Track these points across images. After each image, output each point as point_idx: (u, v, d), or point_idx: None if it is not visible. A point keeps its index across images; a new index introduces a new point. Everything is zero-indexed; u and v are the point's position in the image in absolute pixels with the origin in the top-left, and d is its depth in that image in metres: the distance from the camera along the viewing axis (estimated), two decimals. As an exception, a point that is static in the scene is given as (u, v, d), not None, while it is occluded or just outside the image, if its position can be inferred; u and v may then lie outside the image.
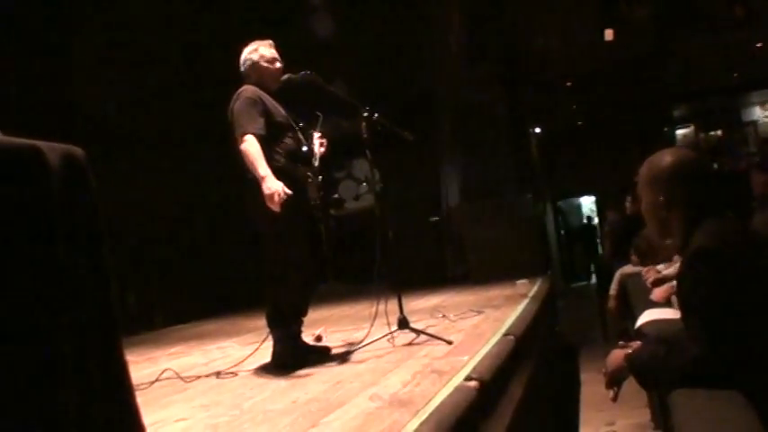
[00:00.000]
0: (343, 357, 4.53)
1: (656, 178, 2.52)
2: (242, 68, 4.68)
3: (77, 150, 1.71)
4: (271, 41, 4.73)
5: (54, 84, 8.73)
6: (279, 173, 4.28)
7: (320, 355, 4.53)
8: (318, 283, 4.61)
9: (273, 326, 4.47)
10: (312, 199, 4.57)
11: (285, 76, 4.62)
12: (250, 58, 4.64)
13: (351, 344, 4.73)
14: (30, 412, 1.49)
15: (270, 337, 4.53)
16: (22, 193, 1.51)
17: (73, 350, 1.59)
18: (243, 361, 4.65)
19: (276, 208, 4.11)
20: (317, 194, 4.60)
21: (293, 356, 4.40)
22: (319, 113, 4.82)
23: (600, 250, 15.81)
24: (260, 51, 4.65)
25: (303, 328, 4.59)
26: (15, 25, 8.13)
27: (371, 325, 4.74)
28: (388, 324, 4.72)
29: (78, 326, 1.62)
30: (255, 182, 4.26)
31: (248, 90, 4.50)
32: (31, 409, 1.50)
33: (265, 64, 4.63)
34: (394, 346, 4.66)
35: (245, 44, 4.74)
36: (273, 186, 4.12)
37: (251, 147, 4.26)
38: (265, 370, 4.41)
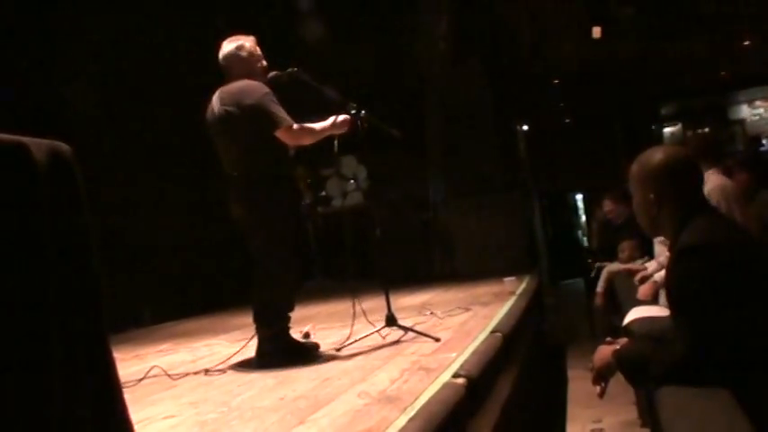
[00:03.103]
0: (331, 354, 4.53)
1: (647, 176, 2.54)
2: (225, 63, 4.58)
3: (64, 147, 1.70)
4: (253, 38, 4.66)
5: (37, 78, 8.67)
6: (270, 177, 4.33)
7: (308, 352, 4.53)
8: (303, 280, 4.60)
9: (261, 324, 4.45)
10: (302, 199, 4.58)
11: (272, 74, 4.57)
12: (237, 54, 4.55)
13: (339, 341, 4.72)
14: (17, 411, 1.49)
15: (256, 335, 4.53)
16: (8, 190, 1.50)
17: (60, 347, 1.59)
18: (230, 357, 4.64)
19: (347, 126, 4.54)
20: (308, 195, 4.63)
21: (281, 355, 4.39)
22: None
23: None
24: (248, 48, 4.58)
25: (291, 325, 4.58)
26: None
27: (352, 324, 4.75)
28: (371, 323, 4.73)
29: (66, 324, 1.61)
30: (247, 183, 4.29)
31: (259, 84, 4.46)
32: (19, 407, 1.49)
33: (254, 60, 4.58)
34: (382, 341, 4.67)
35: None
36: (340, 117, 4.51)
37: (304, 126, 4.44)
38: (253, 367, 4.40)
